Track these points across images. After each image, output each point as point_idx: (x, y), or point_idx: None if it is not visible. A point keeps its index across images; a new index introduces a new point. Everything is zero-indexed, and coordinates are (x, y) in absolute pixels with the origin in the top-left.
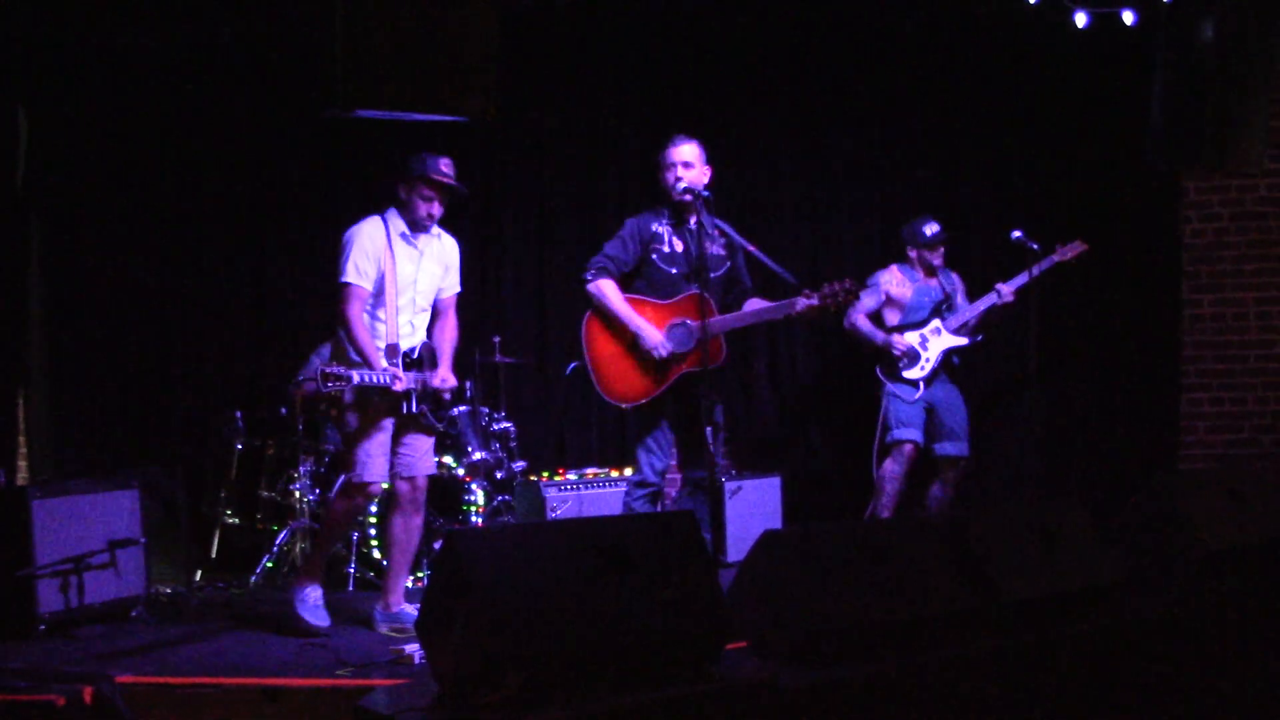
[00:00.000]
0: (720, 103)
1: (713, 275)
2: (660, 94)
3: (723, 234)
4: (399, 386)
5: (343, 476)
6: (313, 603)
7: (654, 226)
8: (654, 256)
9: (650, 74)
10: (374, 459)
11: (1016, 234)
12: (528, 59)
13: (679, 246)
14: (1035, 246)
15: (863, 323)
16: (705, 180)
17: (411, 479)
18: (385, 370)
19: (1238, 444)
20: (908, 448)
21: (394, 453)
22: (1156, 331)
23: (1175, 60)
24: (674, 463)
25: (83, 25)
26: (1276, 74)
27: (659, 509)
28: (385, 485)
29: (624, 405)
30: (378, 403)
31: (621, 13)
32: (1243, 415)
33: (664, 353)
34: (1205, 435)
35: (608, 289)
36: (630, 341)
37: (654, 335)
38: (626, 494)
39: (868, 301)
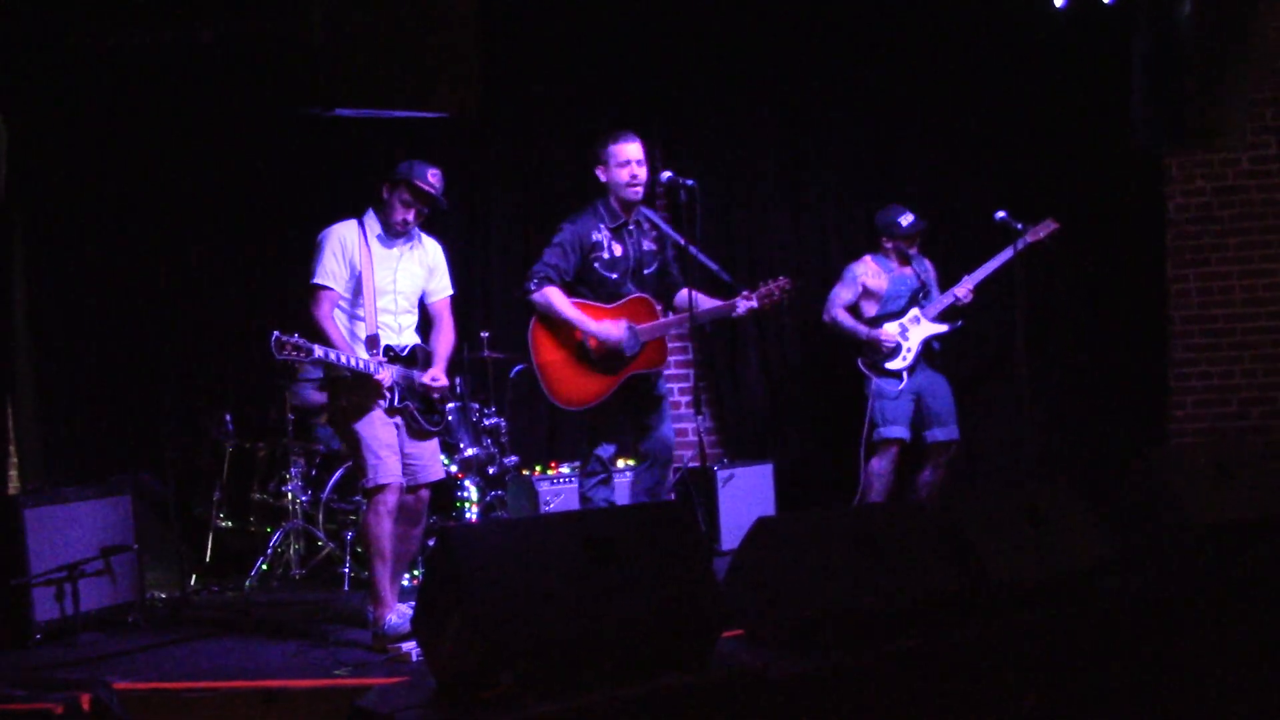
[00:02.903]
0: (701, 91)
1: (646, 272)
2: (644, 84)
3: (654, 226)
4: (380, 376)
5: (360, 495)
6: (396, 619)
7: (594, 235)
8: (595, 264)
9: (633, 64)
10: (384, 460)
11: (1000, 214)
12: (510, 53)
13: (619, 251)
14: (1019, 226)
15: (843, 317)
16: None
17: (415, 489)
18: (357, 358)
19: (1226, 418)
20: (894, 448)
21: None
22: (1143, 308)
23: (1154, 36)
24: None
25: (60, 29)
26: (1255, 46)
27: (613, 490)
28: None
29: (574, 409)
30: (360, 397)
31: (604, 3)
32: (1230, 389)
33: (632, 343)
34: (1194, 410)
35: (554, 296)
36: (577, 346)
37: (614, 330)
38: (580, 486)
39: (845, 294)
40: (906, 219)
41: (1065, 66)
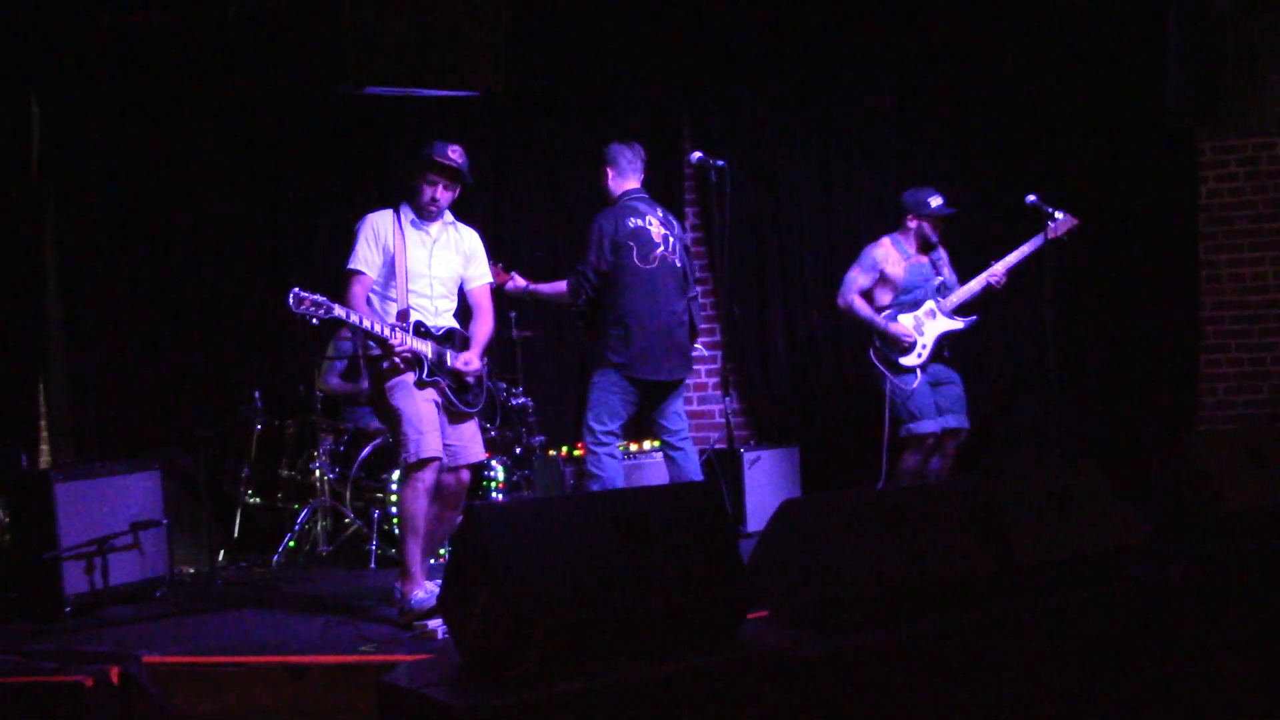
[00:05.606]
0: (731, 71)
1: None
2: (670, 59)
3: None
4: (396, 340)
5: (397, 471)
6: (423, 595)
7: None
8: None
9: (662, 44)
10: (425, 435)
11: (1031, 198)
12: (537, 32)
13: None
14: (1051, 210)
15: (860, 305)
16: None
17: (455, 471)
18: (381, 324)
19: (1257, 404)
20: (929, 441)
21: None
22: (1174, 293)
23: (1191, 17)
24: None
25: (89, 7)
26: None
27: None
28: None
29: None
30: (392, 369)
31: None
32: (1262, 375)
33: None
34: (1225, 396)
35: None
36: None
37: None
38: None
39: (861, 279)
40: (936, 200)
41: (1098, 46)
